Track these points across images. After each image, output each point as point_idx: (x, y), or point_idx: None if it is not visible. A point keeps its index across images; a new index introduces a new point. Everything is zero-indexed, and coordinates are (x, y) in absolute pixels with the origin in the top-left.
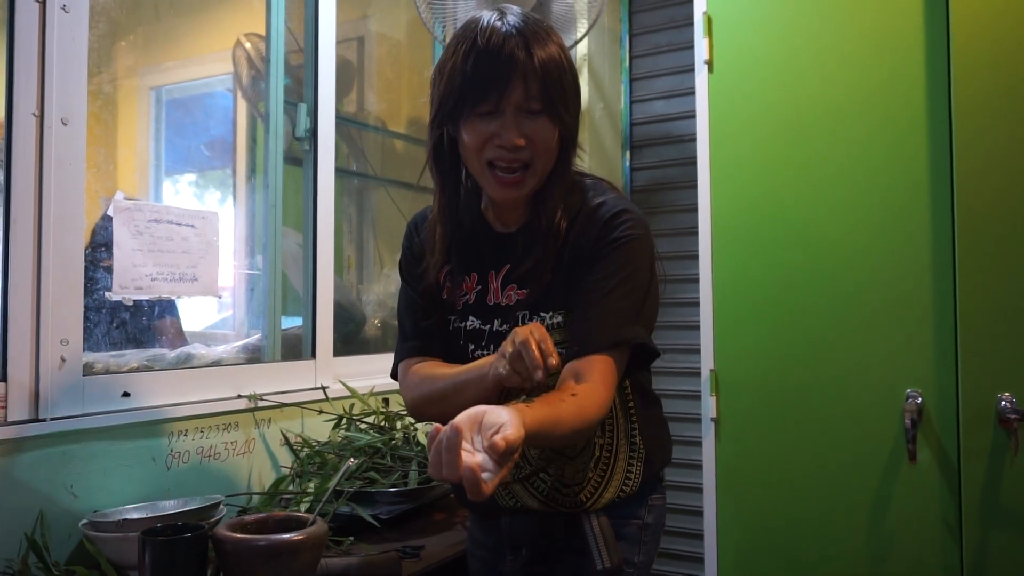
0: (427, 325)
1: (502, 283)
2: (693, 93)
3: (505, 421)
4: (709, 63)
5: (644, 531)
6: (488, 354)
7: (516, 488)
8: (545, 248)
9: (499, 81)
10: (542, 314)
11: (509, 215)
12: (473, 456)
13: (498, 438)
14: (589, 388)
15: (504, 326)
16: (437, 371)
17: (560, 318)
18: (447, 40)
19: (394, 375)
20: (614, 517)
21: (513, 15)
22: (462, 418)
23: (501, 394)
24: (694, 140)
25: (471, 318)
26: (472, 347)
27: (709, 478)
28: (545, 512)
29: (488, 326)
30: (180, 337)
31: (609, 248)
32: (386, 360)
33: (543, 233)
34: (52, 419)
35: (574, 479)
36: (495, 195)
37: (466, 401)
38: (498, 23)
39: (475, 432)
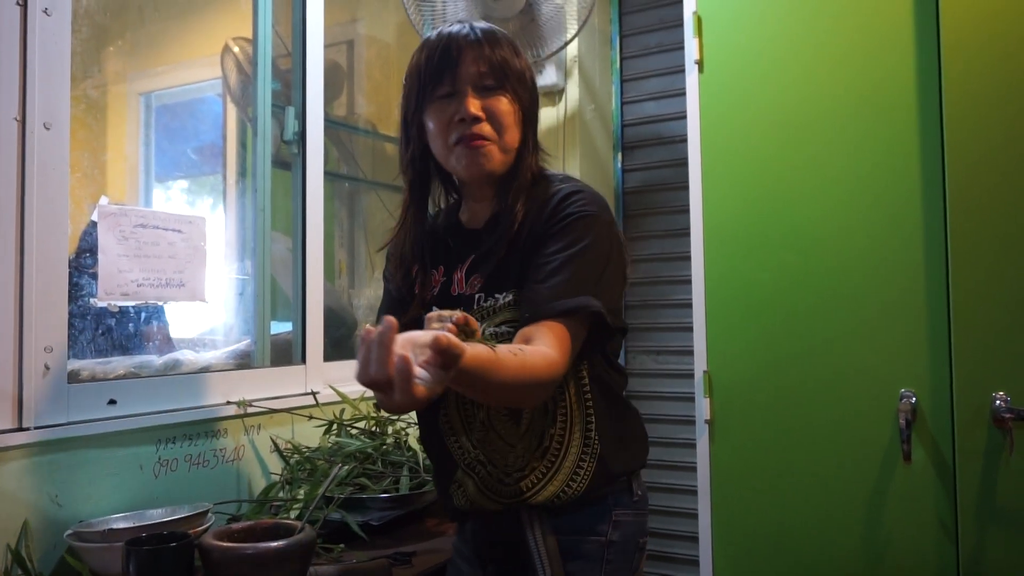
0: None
1: (466, 274)
2: (684, 94)
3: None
4: (699, 64)
5: (608, 549)
6: None
7: (467, 483)
8: (501, 231)
9: (451, 62)
10: (496, 295)
11: (480, 212)
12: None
13: (440, 335)
14: (536, 349)
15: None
16: None
17: (511, 297)
18: None
19: None
20: (568, 532)
21: (464, 23)
22: (398, 336)
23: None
24: (685, 141)
25: (435, 309)
26: None
27: (703, 480)
28: (495, 514)
29: None
30: (168, 343)
31: (562, 223)
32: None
33: (509, 224)
34: (36, 428)
35: (515, 466)
36: (462, 170)
37: None
38: (446, 26)
39: (410, 350)
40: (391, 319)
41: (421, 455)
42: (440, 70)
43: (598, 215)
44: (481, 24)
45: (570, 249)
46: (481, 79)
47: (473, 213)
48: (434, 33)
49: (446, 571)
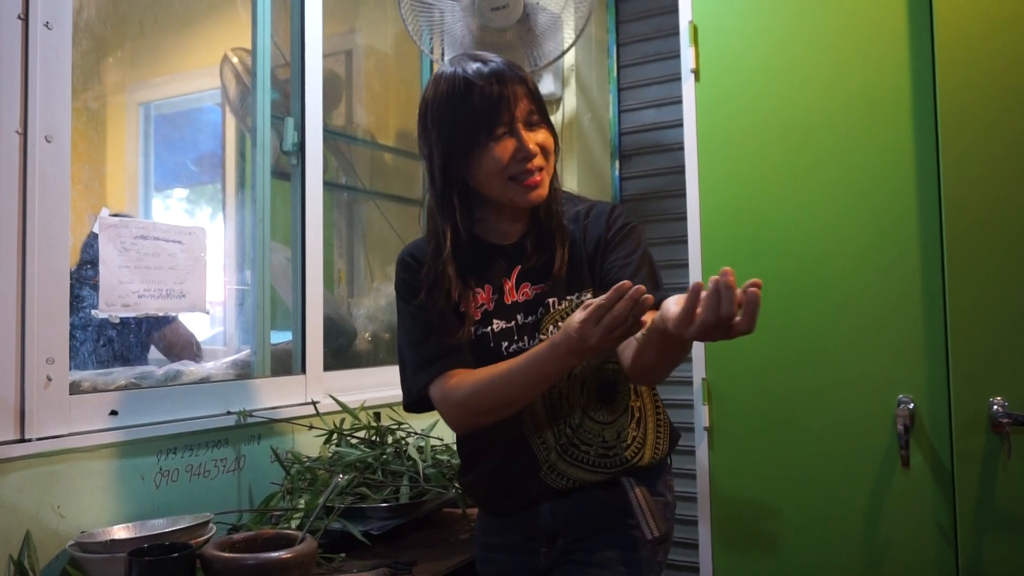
0: (453, 343)
1: (516, 283)
2: (681, 102)
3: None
4: (696, 72)
5: (667, 509)
6: (522, 347)
7: (564, 467)
8: (552, 244)
9: (509, 101)
10: (569, 297)
11: (510, 228)
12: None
13: (740, 290)
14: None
15: (529, 318)
16: (489, 369)
17: (588, 294)
18: (434, 54)
19: (414, 406)
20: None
21: (489, 59)
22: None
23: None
24: (683, 149)
25: (495, 320)
26: (505, 344)
27: (703, 487)
28: (591, 489)
29: (512, 322)
30: (198, 349)
31: (622, 233)
32: (377, 373)
33: (553, 233)
34: (38, 439)
35: (617, 439)
36: (521, 201)
37: (537, 377)
38: (477, 64)
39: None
40: (728, 269)
41: (421, 464)
42: (497, 111)
43: (637, 226)
44: (503, 59)
45: (634, 256)
46: (529, 115)
47: (501, 230)
48: (469, 70)
49: (476, 570)
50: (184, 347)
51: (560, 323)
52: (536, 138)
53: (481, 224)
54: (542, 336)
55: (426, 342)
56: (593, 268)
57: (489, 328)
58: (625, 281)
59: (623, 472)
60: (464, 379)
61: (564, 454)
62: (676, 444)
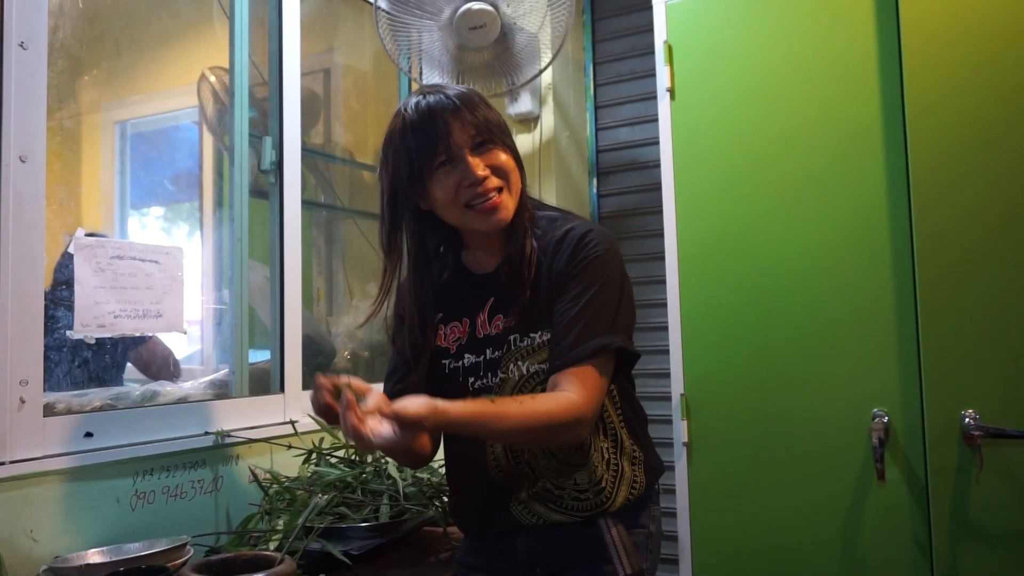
0: (404, 387)
1: (489, 316)
2: (657, 120)
3: (408, 403)
4: (671, 91)
5: (650, 540)
6: (487, 383)
7: (536, 507)
8: (522, 274)
9: (440, 132)
10: (531, 335)
11: (487, 258)
12: (376, 421)
13: (386, 409)
14: (551, 394)
15: (496, 353)
16: None
17: (548, 336)
18: (412, 73)
19: None
20: (626, 527)
21: (433, 92)
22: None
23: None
24: (659, 166)
25: (466, 355)
26: (472, 379)
27: (682, 502)
28: (565, 526)
29: (481, 357)
30: (176, 368)
31: (578, 268)
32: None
33: (519, 264)
34: (11, 462)
35: (589, 483)
36: (483, 226)
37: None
38: (419, 99)
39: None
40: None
41: (401, 483)
42: (432, 142)
43: (608, 254)
44: (450, 89)
45: (587, 294)
46: (472, 140)
47: (479, 259)
48: (409, 106)
49: None
50: (162, 365)
51: (520, 362)
52: (488, 161)
53: (466, 254)
54: (502, 374)
55: (388, 379)
56: (551, 303)
57: (460, 363)
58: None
59: (598, 515)
60: None
61: (534, 497)
62: (658, 477)
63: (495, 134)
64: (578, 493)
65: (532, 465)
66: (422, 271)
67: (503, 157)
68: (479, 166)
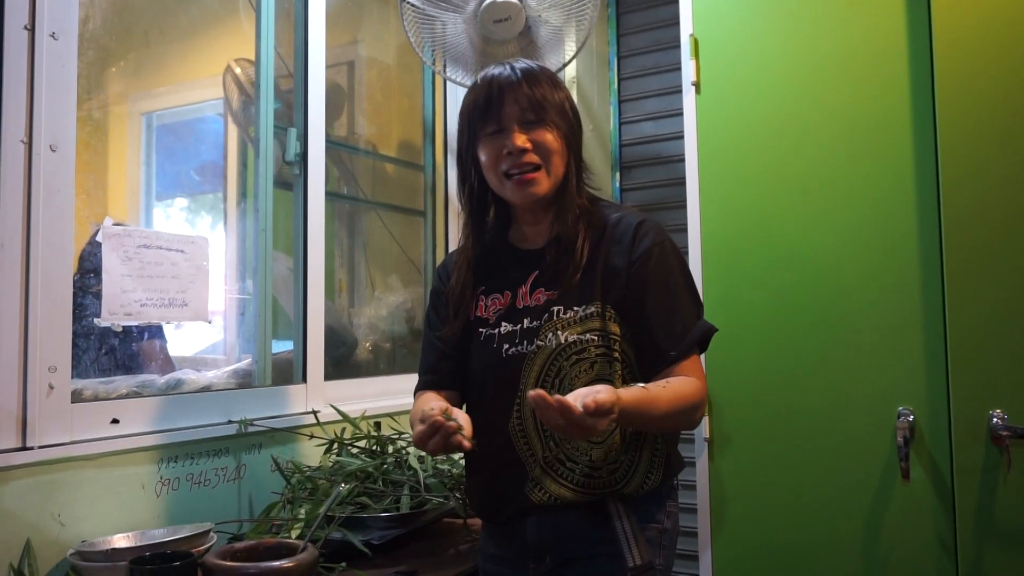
0: (441, 366)
1: (531, 288)
2: (681, 114)
3: (600, 389)
4: (696, 84)
5: (663, 536)
6: (520, 350)
7: (547, 482)
8: (573, 256)
9: (495, 102)
10: (575, 308)
11: (535, 235)
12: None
13: (589, 400)
14: (680, 378)
15: (534, 322)
16: (421, 403)
17: (592, 309)
18: (436, 66)
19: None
20: (638, 520)
21: (506, 65)
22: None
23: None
24: (683, 160)
25: (503, 323)
26: (507, 346)
27: (703, 499)
28: (574, 508)
29: (518, 326)
30: (168, 364)
31: (645, 262)
32: (377, 383)
33: (569, 243)
34: (40, 447)
35: (605, 460)
36: (515, 199)
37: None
38: (489, 70)
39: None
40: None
41: (422, 474)
42: (486, 110)
43: (667, 241)
44: (521, 64)
45: (666, 286)
46: (523, 115)
47: (527, 235)
48: (481, 76)
49: None
50: (163, 362)
51: (560, 331)
52: (533, 137)
53: (514, 230)
54: (539, 342)
55: (425, 357)
56: (609, 285)
57: (497, 330)
58: (436, 415)
59: (607, 495)
60: (418, 399)
61: (548, 469)
62: (675, 474)
63: (548, 114)
64: (591, 470)
65: (553, 431)
66: (477, 233)
67: (548, 137)
68: (520, 139)
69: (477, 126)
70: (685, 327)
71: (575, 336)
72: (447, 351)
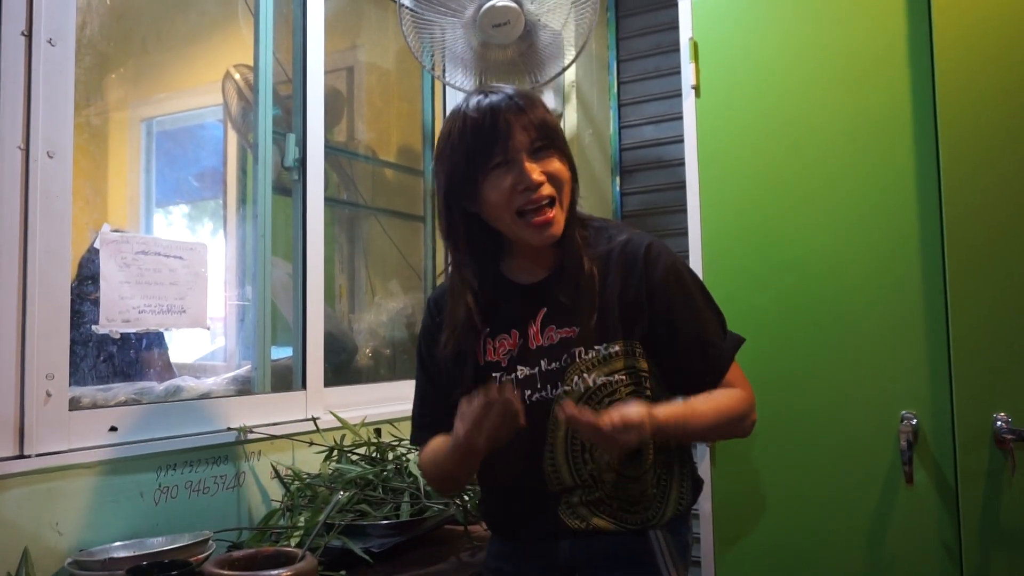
0: (439, 412)
1: (541, 327)
2: (681, 118)
3: (630, 409)
4: (696, 88)
5: (686, 551)
6: (544, 396)
7: (584, 512)
8: (584, 290)
9: (501, 132)
10: (596, 347)
11: (534, 266)
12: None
13: (616, 415)
14: (723, 390)
15: (553, 364)
16: (432, 450)
17: (616, 347)
18: (436, 71)
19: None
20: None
21: (495, 91)
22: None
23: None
24: (683, 164)
25: (519, 367)
26: (528, 392)
27: (706, 503)
28: (611, 533)
29: (536, 369)
30: (168, 370)
31: (665, 291)
32: (378, 390)
33: (582, 276)
34: (37, 455)
35: (640, 498)
36: (533, 240)
37: (448, 469)
38: (481, 97)
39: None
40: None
41: (422, 481)
42: (491, 143)
43: (676, 259)
44: (508, 89)
45: (688, 305)
46: (532, 143)
47: (524, 268)
48: (470, 104)
49: None
50: (164, 367)
51: (586, 374)
52: (544, 167)
53: (507, 263)
54: (566, 388)
55: (422, 405)
56: (631, 321)
57: (513, 376)
58: (493, 386)
59: (645, 528)
60: (426, 454)
61: (586, 497)
62: (699, 493)
63: (554, 140)
64: (628, 506)
65: (595, 477)
66: (464, 275)
67: (558, 165)
68: (535, 171)
69: (477, 159)
70: (718, 348)
71: (603, 379)
72: (445, 406)
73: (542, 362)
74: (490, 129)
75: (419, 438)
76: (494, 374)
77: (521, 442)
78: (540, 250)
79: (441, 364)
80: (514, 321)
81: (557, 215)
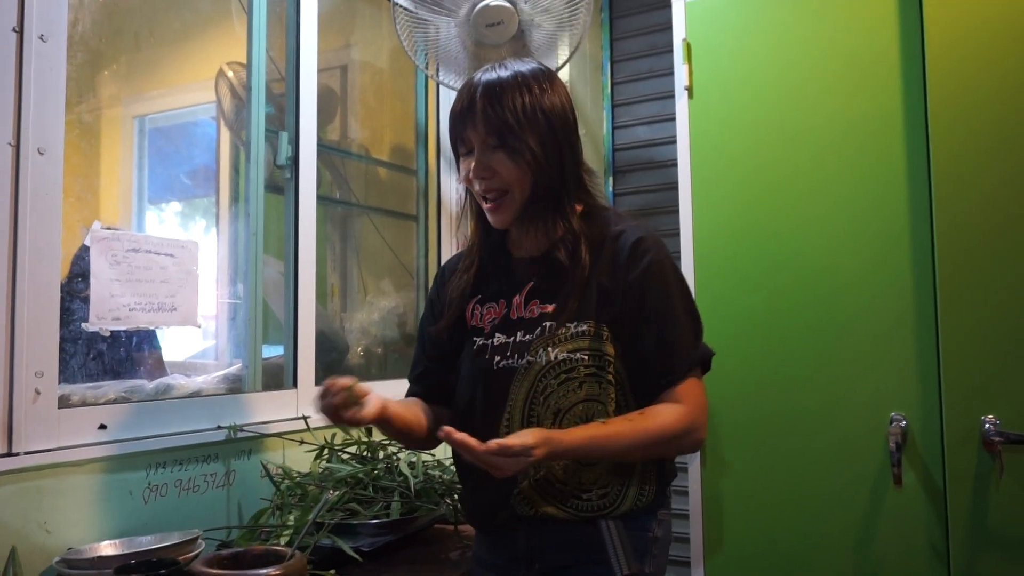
0: (425, 370)
1: (525, 299)
2: (674, 118)
3: (513, 437)
4: (689, 89)
5: (654, 544)
6: (511, 364)
7: (535, 498)
8: (568, 271)
9: (461, 128)
10: (567, 324)
11: (532, 242)
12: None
13: (492, 443)
14: (656, 408)
15: (526, 336)
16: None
17: (585, 327)
18: (429, 70)
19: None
20: (627, 528)
21: (496, 69)
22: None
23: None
24: (676, 165)
25: (497, 334)
26: (498, 359)
27: (695, 504)
28: (563, 521)
29: (511, 338)
30: (160, 368)
31: (641, 282)
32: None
33: (568, 258)
34: (26, 453)
35: (594, 484)
36: (489, 219)
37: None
38: (478, 74)
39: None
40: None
41: (412, 480)
42: (455, 136)
43: (666, 258)
44: (487, 77)
45: (664, 306)
46: (486, 140)
47: (522, 243)
48: (467, 82)
49: None
50: (156, 365)
51: (550, 348)
52: (489, 161)
53: (511, 235)
54: (530, 357)
55: (415, 364)
56: (604, 304)
57: (490, 341)
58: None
59: (598, 517)
60: None
61: (537, 487)
62: (669, 484)
63: (506, 140)
64: (580, 492)
65: None
66: (473, 240)
67: (505, 164)
68: (480, 167)
69: (455, 144)
70: (680, 352)
71: (564, 354)
72: (435, 359)
73: (518, 332)
74: (459, 114)
75: (409, 391)
76: (475, 338)
77: (483, 406)
78: (529, 229)
79: (444, 308)
80: (504, 292)
81: (506, 204)
